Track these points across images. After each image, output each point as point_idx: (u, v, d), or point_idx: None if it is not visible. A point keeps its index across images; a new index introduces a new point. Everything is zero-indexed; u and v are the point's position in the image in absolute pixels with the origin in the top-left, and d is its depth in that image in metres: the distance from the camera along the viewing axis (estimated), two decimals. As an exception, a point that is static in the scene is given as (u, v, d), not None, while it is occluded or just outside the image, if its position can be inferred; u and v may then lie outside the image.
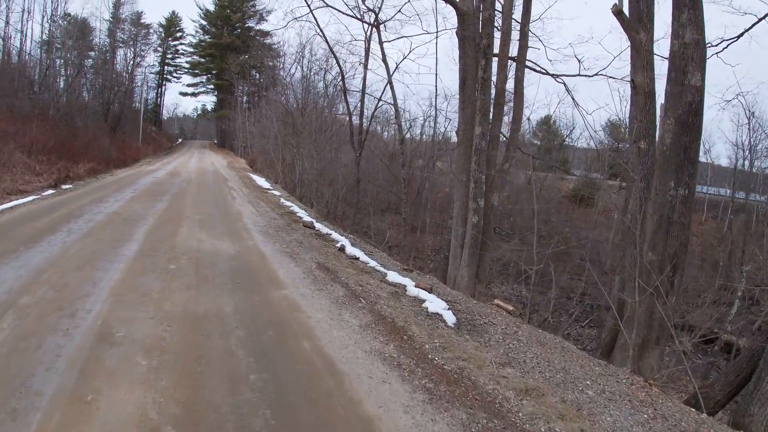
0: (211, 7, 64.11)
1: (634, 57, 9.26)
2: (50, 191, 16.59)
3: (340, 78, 23.68)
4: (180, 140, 78.48)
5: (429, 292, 7.88)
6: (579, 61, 17.10)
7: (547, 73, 16.24)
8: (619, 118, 24.90)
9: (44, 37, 37.49)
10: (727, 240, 28.06)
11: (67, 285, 6.28)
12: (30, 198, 14.47)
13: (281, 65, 42.93)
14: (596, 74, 17.63)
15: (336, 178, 22.43)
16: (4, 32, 34.47)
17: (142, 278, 6.82)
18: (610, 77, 17.47)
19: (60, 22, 41.52)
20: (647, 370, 8.08)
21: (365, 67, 22.61)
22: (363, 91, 22.93)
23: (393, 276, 8.75)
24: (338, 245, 10.82)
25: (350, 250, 10.46)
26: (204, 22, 65.59)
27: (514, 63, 14.56)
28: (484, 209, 12.61)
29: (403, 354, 5.18)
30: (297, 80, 27.31)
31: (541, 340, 6.66)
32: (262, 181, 24.06)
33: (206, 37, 66.20)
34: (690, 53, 8.08)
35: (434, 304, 7.21)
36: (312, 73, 25.91)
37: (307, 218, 14.14)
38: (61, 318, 5.22)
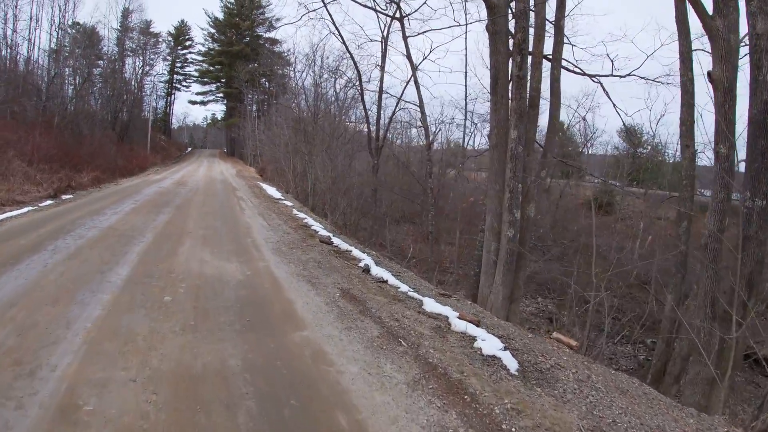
0: (220, 15, 63.25)
1: (711, 47, 7.86)
2: (48, 202, 15.46)
3: (357, 80, 22.21)
4: (189, 149, 77.71)
5: (477, 326, 6.49)
6: (612, 60, 15.76)
7: (584, 74, 14.82)
8: (635, 123, 23.54)
9: (52, 45, 36.63)
10: None
11: (35, 326, 4.90)
12: (25, 209, 13.32)
13: (292, 71, 41.72)
14: (629, 74, 16.31)
15: (350, 187, 20.99)
16: (11, 40, 33.38)
17: (128, 316, 5.41)
18: (644, 78, 16.18)
19: (68, 30, 40.56)
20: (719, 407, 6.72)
21: (382, 68, 21.28)
22: (380, 94, 21.56)
23: (430, 304, 7.35)
24: (361, 265, 9.42)
25: (376, 270, 9.06)
26: (213, 30, 64.73)
27: (547, 60, 13.20)
28: (520, 222, 11.24)
29: (471, 427, 3.77)
30: (308, 86, 25.88)
31: (619, 386, 5.29)
32: (272, 191, 22.72)
33: (215, 45, 65.29)
34: (763, 45, 6.79)
35: (487, 343, 5.78)
36: (323, 79, 24.52)
37: (323, 232, 12.78)
38: (16, 379, 3.85)
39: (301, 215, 15.68)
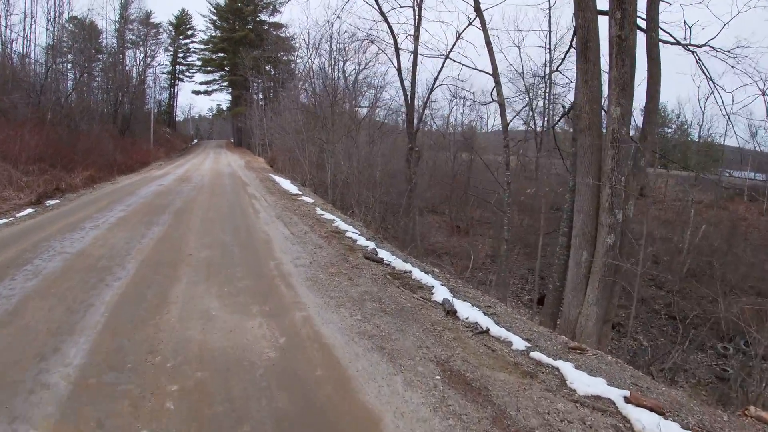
0: (222, 1, 59.64)
1: None
2: (28, 210, 12.53)
3: (393, 47, 18.48)
4: (195, 141, 75.02)
5: (661, 415, 3.47)
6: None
7: (679, 43, 11.33)
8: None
9: (49, 41, 34.14)
10: None
11: None
12: None
13: (300, 54, 38.31)
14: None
15: (381, 177, 17.75)
16: (4, 36, 30.52)
17: None
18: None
19: (66, 25, 37.64)
20: None
21: (415, 38, 17.69)
22: (414, 68, 18.01)
23: (577, 378, 4.40)
24: (437, 298, 6.38)
25: (462, 310, 5.93)
26: (215, 17, 61.21)
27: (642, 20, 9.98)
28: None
29: None
30: (322, 66, 22.36)
31: None
32: (287, 184, 19.49)
33: (217, 32, 61.91)
34: None
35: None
36: (344, 53, 21.06)
37: (361, 240, 9.69)
38: None
39: (327, 215, 12.51)
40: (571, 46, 13.99)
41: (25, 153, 18.67)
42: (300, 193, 16.96)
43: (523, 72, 20.39)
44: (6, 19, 30.99)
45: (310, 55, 23.46)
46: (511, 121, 16.54)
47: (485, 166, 20.60)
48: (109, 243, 8.28)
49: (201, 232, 9.43)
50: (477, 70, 17.15)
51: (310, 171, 20.77)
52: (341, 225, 11.32)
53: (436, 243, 23.59)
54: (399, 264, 8.06)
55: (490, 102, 16.71)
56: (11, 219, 11.08)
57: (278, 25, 57.08)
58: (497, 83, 14.63)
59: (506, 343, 5.17)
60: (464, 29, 17.46)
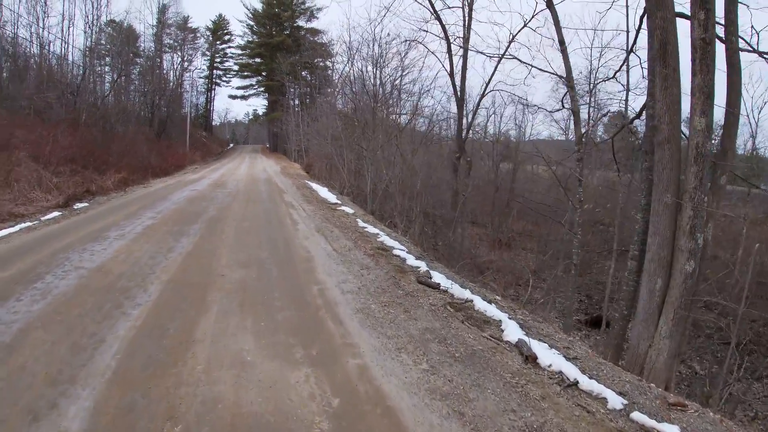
0: (259, 7, 59.62)
1: None
2: (54, 213, 11.95)
3: (444, 48, 17.30)
4: (231, 145, 75.17)
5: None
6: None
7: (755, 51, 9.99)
8: None
9: (87, 43, 33.74)
10: None
11: None
12: (14, 228, 9.71)
13: (338, 59, 37.53)
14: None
15: (416, 187, 16.66)
16: (43, 38, 30.65)
17: None
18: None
19: (104, 28, 37.86)
20: None
21: (466, 39, 16.58)
22: (464, 71, 16.92)
23: None
24: (509, 338, 5.34)
25: (542, 355, 4.92)
26: (252, 23, 61.18)
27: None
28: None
29: None
30: (365, 68, 21.38)
31: None
32: (324, 192, 18.54)
33: (254, 37, 61.78)
34: None
35: None
36: (384, 59, 20.06)
37: (411, 259, 8.66)
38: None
39: (370, 229, 11.48)
40: (630, 51, 12.78)
41: (56, 154, 18.17)
42: (339, 202, 15.99)
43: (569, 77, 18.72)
44: (43, 20, 30.55)
45: (351, 57, 22.50)
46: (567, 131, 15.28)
47: (555, 180, 19.25)
48: (132, 257, 7.37)
49: (235, 246, 8.47)
50: (548, 72, 15.78)
51: (348, 179, 19.81)
52: (386, 240, 10.28)
53: (477, 257, 22.40)
54: (457, 291, 6.98)
55: (560, 109, 15.48)
56: (35, 223, 10.43)
57: (315, 31, 56.58)
58: (570, 88, 13.37)
59: (600, 400, 4.17)
60: (521, 29, 16.13)
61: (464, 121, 17.40)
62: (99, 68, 36.72)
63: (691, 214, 7.17)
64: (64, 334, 4.53)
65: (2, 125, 18.68)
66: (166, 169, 26.47)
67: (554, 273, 20.42)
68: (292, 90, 50.17)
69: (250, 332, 4.75)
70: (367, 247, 9.33)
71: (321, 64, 50.57)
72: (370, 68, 20.29)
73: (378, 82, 19.56)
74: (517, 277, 21.25)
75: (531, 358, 4.76)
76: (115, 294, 5.69)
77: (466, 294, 6.83)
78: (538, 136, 29.52)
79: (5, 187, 14.17)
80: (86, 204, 13.87)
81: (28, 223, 10.31)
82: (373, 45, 20.26)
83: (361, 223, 12.11)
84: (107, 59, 37.91)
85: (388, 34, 27.24)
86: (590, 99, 28.22)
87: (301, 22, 59.21)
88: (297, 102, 49.67)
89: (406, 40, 19.31)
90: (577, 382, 4.37)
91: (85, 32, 33.52)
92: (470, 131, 17.12)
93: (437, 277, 7.58)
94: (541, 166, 32.07)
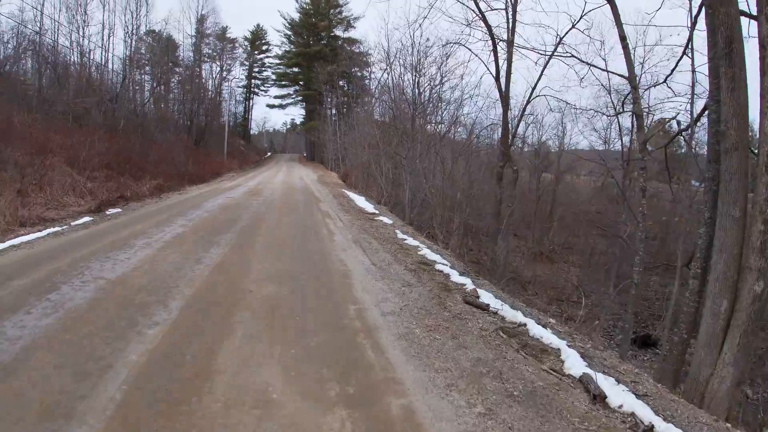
0: (296, 16, 60.05)
1: None
2: (85, 219, 11.58)
3: (489, 52, 16.49)
4: (269, 154, 75.60)
5: None
6: None
7: None
8: None
9: (127, 52, 34.25)
10: None
11: None
12: (42, 233, 9.45)
13: (375, 69, 37.11)
14: None
15: (456, 197, 15.90)
16: (82, 46, 31.21)
17: None
18: None
19: (144, 38, 38.43)
20: None
21: (509, 43, 15.77)
22: (508, 76, 16.10)
23: None
24: (571, 371, 4.65)
25: (610, 392, 4.25)
26: (289, 33, 61.60)
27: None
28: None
29: None
30: (404, 75, 20.73)
31: None
32: (362, 201, 17.97)
33: (292, 47, 62.26)
34: None
35: None
36: (423, 66, 19.41)
37: (455, 275, 7.98)
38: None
39: (410, 241, 10.82)
40: (684, 53, 11.84)
41: (92, 159, 18.00)
42: (376, 212, 15.37)
43: (609, 84, 17.61)
44: (83, 29, 30.94)
45: (389, 64, 21.91)
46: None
47: (600, 191, 18.26)
48: (156, 268, 6.85)
49: (267, 258, 7.89)
50: (611, 72, 14.77)
51: (386, 188, 19.19)
52: (428, 254, 9.59)
53: (517, 269, 21.48)
54: (508, 313, 6.25)
55: (621, 113, 14.55)
56: (63, 228, 10.12)
57: (352, 41, 56.44)
58: (634, 88, 12.43)
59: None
60: (571, 27, 15.11)
61: (509, 127, 16.50)
62: (139, 77, 37.26)
63: (762, 228, 6.32)
64: (70, 356, 3.97)
65: (39, 130, 18.60)
66: (202, 177, 26.31)
67: (601, 290, 19.41)
68: (329, 99, 50.07)
69: (278, 362, 4.10)
70: (408, 261, 8.66)
71: (358, 73, 50.42)
72: (408, 75, 19.69)
73: (417, 89, 18.91)
74: (560, 291, 20.28)
75: (599, 398, 4.03)
76: (131, 310, 5.13)
77: (519, 317, 6.10)
78: (576, 145, 28.33)
79: (38, 191, 13.96)
80: (119, 210, 13.59)
81: (56, 228, 9.97)
82: (412, 50, 19.53)
83: (400, 235, 11.45)
84: (147, 68, 38.38)
85: (428, 39, 26.47)
86: (634, 106, 27.03)
87: (338, 32, 59.33)
88: (334, 111, 49.52)
89: (448, 43, 18.50)
90: (653, 427, 3.66)
91: (125, 41, 33.87)
92: (514, 139, 16.22)
93: (485, 296, 6.88)
94: (582, 175, 30.98)
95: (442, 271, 8.20)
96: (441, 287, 7.10)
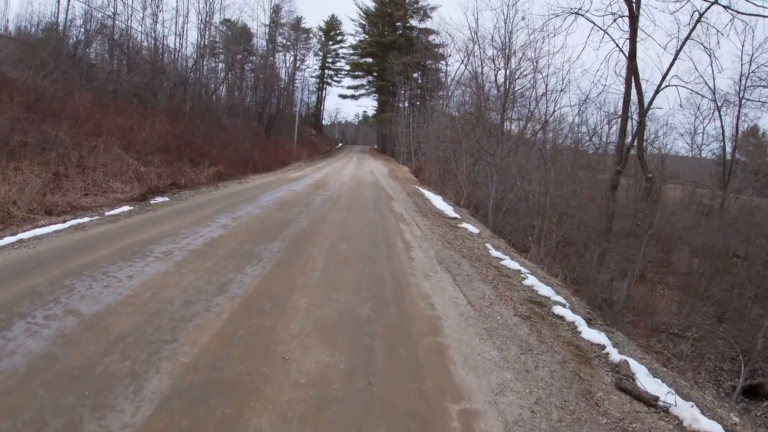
0: (372, 6, 58.09)
1: None
2: (123, 209, 10.03)
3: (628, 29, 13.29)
4: (340, 144, 74.39)
5: None
6: None
7: None
8: None
9: (201, 40, 33.24)
10: None
11: None
12: (65, 225, 7.86)
13: (472, 37, 34.20)
14: None
15: (555, 204, 13.08)
16: (156, 32, 30.18)
17: None
18: None
19: (219, 27, 37.91)
20: None
21: (632, 17, 12.62)
22: (632, 60, 13.02)
23: None
24: None
25: None
26: (364, 22, 59.62)
27: None
28: None
29: None
30: (492, 61, 17.80)
31: None
32: (438, 202, 15.42)
33: (366, 37, 60.26)
34: None
35: None
36: (513, 49, 16.54)
37: (584, 327, 5.54)
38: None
39: (508, 261, 8.27)
40: None
41: (151, 142, 16.41)
42: (458, 216, 12.80)
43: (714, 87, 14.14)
44: (156, 15, 30.07)
45: (476, 41, 18.98)
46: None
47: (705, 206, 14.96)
48: (155, 301, 4.58)
49: (319, 289, 5.43)
50: None
51: (466, 187, 16.56)
52: (535, 283, 7.02)
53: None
54: (684, 412, 3.67)
55: None
56: (93, 219, 8.53)
57: (428, 31, 53.66)
58: None
59: None
60: (711, 4, 12.00)
61: (628, 124, 13.43)
62: (213, 64, 36.66)
63: None
64: None
65: (100, 112, 17.14)
66: (268, 165, 24.49)
67: (704, 321, 16.10)
68: (402, 91, 47.70)
69: None
70: (515, 297, 6.11)
71: (433, 66, 47.79)
72: (498, 62, 16.85)
73: (508, 71, 16.04)
74: (658, 320, 16.99)
75: None
76: (91, 387, 2.88)
77: (702, 421, 3.55)
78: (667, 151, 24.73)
79: (80, 174, 12.29)
80: (166, 198, 11.92)
81: (84, 219, 8.34)
82: (506, 34, 16.69)
83: (493, 251, 8.89)
84: (221, 57, 37.55)
85: (523, 18, 23.21)
86: (739, 111, 22.93)
87: (414, 22, 56.71)
88: (407, 104, 47.17)
89: (563, 12, 15.33)
90: None
91: (198, 29, 32.88)
92: (635, 140, 13.10)
93: (636, 369, 4.35)
94: (684, 185, 27.17)
95: (563, 318, 5.65)
96: (574, 353, 4.57)
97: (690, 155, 27.42)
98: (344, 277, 5.92)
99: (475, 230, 10.97)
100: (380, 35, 56.91)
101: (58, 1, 24.41)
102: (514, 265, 8.09)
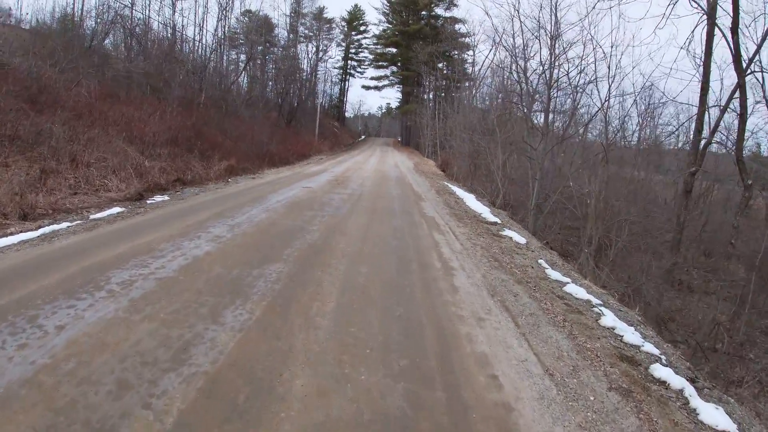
0: (395, -7, 55.82)
1: None
2: (114, 210, 8.55)
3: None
4: (363, 137, 73.04)
5: None
6: None
7: None
8: None
9: (220, 30, 32.09)
10: None
11: None
12: (36, 233, 6.44)
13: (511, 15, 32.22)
14: None
15: (615, 210, 11.11)
16: (173, 21, 28.88)
17: None
18: None
19: (240, 18, 37.48)
20: None
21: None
22: (709, 39, 10.88)
23: None
24: None
25: None
26: (387, 10, 57.65)
27: None
28: None
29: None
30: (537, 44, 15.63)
31: None
32: (472, 201, 13.57)
33: (389, 26, 58.15)
34: None
35: None
36: (560, 28, 14.53)
37: (697, 401, 3.78)
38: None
39: (573, 288, 6.45)
40: None
41: (159, 133, 14.91)
42: (497, 220, 10.92)
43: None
44: (174, 4, 28.84)
45: (516, 15, 16.81)
46: None
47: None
48: (82, 374, 2.87)
49: (328, 356, 3.56)
50: None
51: (502, 186, 14.66)
52: (616, 324, 5.30)
53: (645, 293, 16.17)
54: None
55: None
56: (71, 225, 7.09)
57: (455, 20, 51.40)
58: None
59: None
60: None
61: (704, 117, 11.29)
62: (234, 56, 35.84)
63: None
64: None
65: (107, 102, 15.64)
66: (286, 158, 22.84)
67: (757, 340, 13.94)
68: (427, 82, 45.71)
69: None
70: (599, 351, 4.37)
71: (459, 57, 45.71)
72: (544, 48, 14.80)
73: (553, 56, 14.00)
74: (705, 336, 14.86)
75: None
76: None
77: None
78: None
79: (73, 170, 10.80)
80: (166, 197, 10.35)
81: (61, 226, 6.91)
82: (551, 9, 14.66)
83: (549, 270, 7.09)
84: (243, 48, 36.35)
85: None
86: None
87: (439, 11, 54.46)
88: (432, 95, 45.19)
89: None
90: None
91: (218, 18, 31.41)
92: (714, 135, 10.95)
93: None
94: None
95: (667, 385, 4.03)
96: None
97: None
98: (365, 328, 4.11)
99: (521, 239, 9.12)
100: (404, 24, 54.93)
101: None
102: (580, 292, 6.26)
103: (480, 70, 33.53)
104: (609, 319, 5.43)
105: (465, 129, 20.77)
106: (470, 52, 42.50)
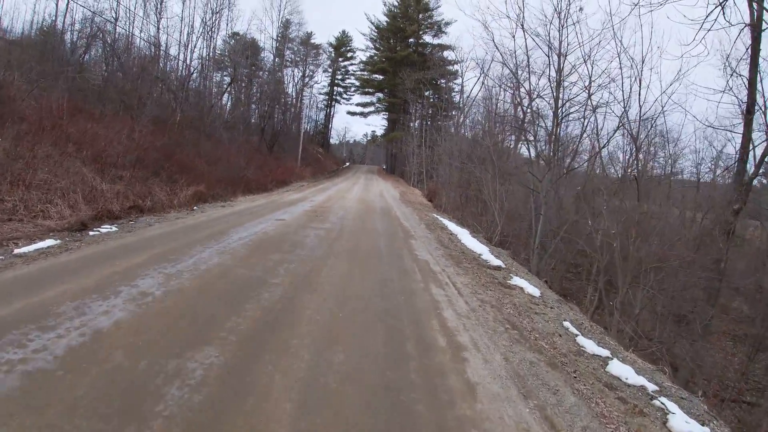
0: (383, 19, 55.57)
1: None
2: (46, 243, 6.99)
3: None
4: (347, 164, 71.98)
5: None
6: None
7: None
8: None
9: (205, 48, 31.71)
10: None
11: None
12: None
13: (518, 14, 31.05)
14: None
15: (642, 255, 9.45)
16: (157, 38, 27.82)
17: None
18: None
19: (227, 40, 36.88)
20: None
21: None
22: (756, 55, 9.44)
23: None
24: None
25: None
26: (375, 36, 56.90)
27: None
28: None
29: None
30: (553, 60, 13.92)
31: None
32: (467, 238, 11.88)
33: (377, 52, 57.20)
34: None
35: None
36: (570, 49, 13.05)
37: None
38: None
39: (619, 367, 4.77)
40: None
41: (124, 154, 13.39)
42: (501, 264, 9.20)
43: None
44: (158, 22, 27.98)
45: (521, 23, 15.30)
46: None
47: None
48: None
49: None
50: None
51: (500, 220, 13.01)
52: (692, 428, 3.52)
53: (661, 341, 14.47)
54: None
55: None
56: None
57: (443, 47, 50.54)
58: None
59: None
60: None
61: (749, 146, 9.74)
62: (218, 77, 35.30)
63: None
64: None
65: (72, 116, 14.06)
66: (263, 185, 21.05)
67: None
68: (413, 110, 44.43)
69: None
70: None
71: (445, 85, 44.65)
72: (549, 67, 13.26)
73: (559, 74, 12.46)
74: (725, 385, 13.23)
75: None
76: None
77: None
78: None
79: (11, 192, 9.18)
80: (113, 228, 8.69)
81: None
82: (560, 24, 13.13)
83: (584, 341, 5.38)
84: (228, 70, 35.16)
85: (580, 9, 19.11)
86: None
87: (427, 38, 53.65)
88: (418, 123, 43.91)
89: None
90: None
91: (204, 38, 31.05)
92: (760, 168, 9.39)
93: None
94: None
95: None
96: None
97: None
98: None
99: (535, 291, 7.42)
100: (391, 50, 53.97)
101: (57, 4, 22.96)
102: (630, 375, 4.61)
103: (468, 97, 32.32)
104: (679, 419, 3.79)
105: (455, 157, 19.15)
106: (458, 81, 41.46)
